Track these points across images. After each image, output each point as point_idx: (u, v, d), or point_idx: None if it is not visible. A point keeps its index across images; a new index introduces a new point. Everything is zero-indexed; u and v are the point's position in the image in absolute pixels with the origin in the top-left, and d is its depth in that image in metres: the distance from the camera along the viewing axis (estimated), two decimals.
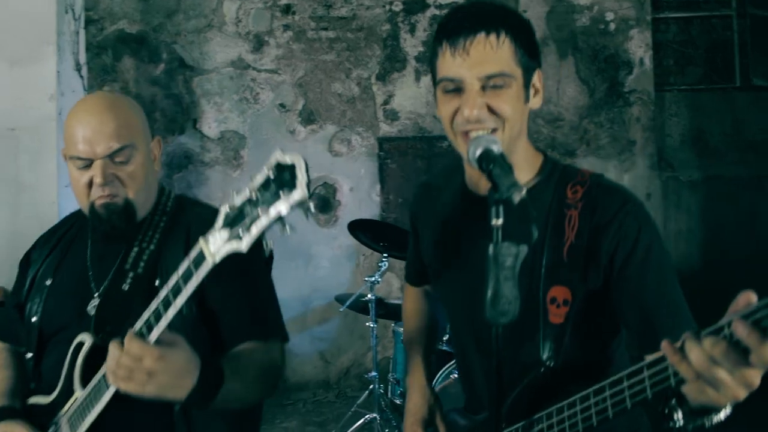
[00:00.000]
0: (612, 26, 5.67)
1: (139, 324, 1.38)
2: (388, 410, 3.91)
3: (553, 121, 5.61)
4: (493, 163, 1.14)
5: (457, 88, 1.27)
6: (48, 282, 1.79)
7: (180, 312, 1.36)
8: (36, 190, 3.49)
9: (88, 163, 1.65)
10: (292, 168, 1.18)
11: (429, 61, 1.39)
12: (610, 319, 1.31)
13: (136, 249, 1.73)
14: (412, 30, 5.64)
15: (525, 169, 1.39)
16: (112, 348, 1.35)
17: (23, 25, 3.59)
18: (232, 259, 1.29)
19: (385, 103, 5.64)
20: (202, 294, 1.56)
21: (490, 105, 1.26)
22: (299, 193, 1.16)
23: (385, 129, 5.64)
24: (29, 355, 1.78)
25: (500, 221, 1.08)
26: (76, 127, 1.67)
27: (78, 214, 1.90)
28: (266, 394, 1.71)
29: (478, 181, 1.41)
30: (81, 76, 3.93)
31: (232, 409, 1.64)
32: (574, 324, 1.27)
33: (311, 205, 1.20)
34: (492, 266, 1.07)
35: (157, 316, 1.37)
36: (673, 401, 1.03)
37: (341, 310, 4.27)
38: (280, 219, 1.19)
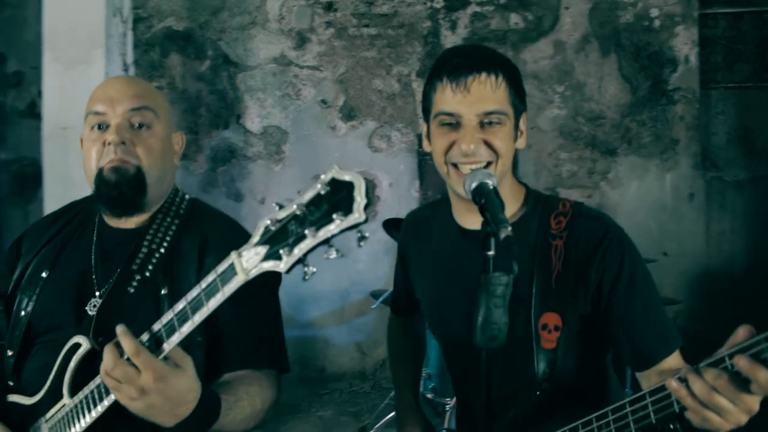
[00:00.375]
0: (657, 23, 5.58)
1: (147, 335, 1.25)
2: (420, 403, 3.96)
3: (594, 119, 5.56)
4: (486, 197, 1.18)
5: (455, 123, 1.31)
6: (44, 274, 1.65)
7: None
8: (86, 187, 3.64)
9: (105, 122, 1.57)
10: (350, 187, 1.04)
11: (424, 94, 1.42)
12: (600, 341, 1.35)
13: (145, 250, 1.59)
14: (453, 27, 5.64)
15: (511, 201, 1.46)
16: (108, 352, 1.22)
17: (76, 30, 3.77)
18: (254, 281, 1.17)
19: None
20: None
21: (487, 140, 1.32)
22: (355, 217, 1.03)
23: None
24: (10, 352, 1.62)
25: (492, 252, 1.12)
26: (97, 91, 1.61)
27: (81, 204, 1.79)
28: (254, 430, 1.55)
29: (465, 215, 1.45)
30: (128, 75, 4.07)
31: None
32: (566, 347, 1.32)
33: (366, 234, 1.06)
34: (483, 294, 1.12)
35: (170, 330, 1.23)
36: (678, 426, 1.06)
37: (373, 307, 4.34)
38: (326, 241, 1.07)
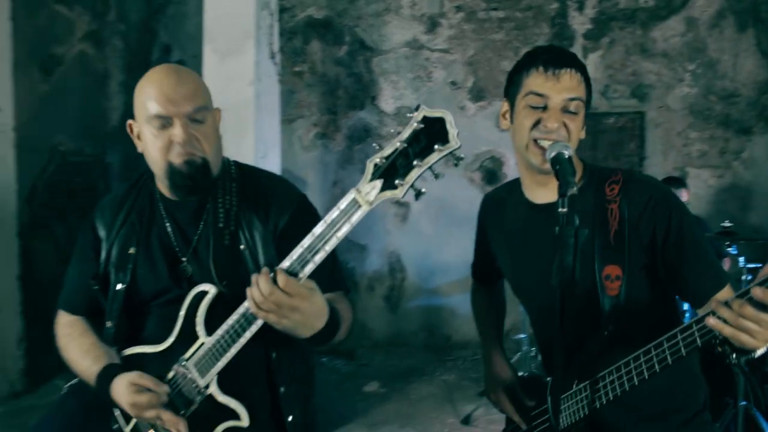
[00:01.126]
0: None
1: (284, 265, 1.45)
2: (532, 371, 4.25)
3: (728, 97, 5.48)
4: (561, 164, 1.44)
5: (542, 106, 1.57)
6: (132, 251, 1.81)
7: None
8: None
9: (168, 123, 1.68)
10: (441, 121, 1.31)
11: (511, 78, 1.67)
12: (660, 287, 1.58)
13: (222, 209, 1.79)
14: (581, 7, 5.74)
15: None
16: (263, 281, 1.42)
17: (230, 23, 4.26)
18: (308, 221, 1.49)
19: None
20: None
21: (566, 123, 1.56)
22: (452, 144, 1.30)
23: None
24: (109, 323, 1.81)
25: (564, 209, 1.38)
26: (153, 90, 1.69)
27: (137, 185, 1.93)
28: (346, 338, 1.76)
29: (535, 190, 1.71)
30: (275, 63, 4.54)
31: (318, 347, 1.67)
32: (627, 294, 1.56)
33: (462, 156, 1.33)
34: (558, 244, 1.38)
35: (303, 262, 1.44)
36: (725, 346, 1.31)
37: None
38: (430, 168, 1.31)
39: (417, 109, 1.34)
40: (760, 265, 4.10)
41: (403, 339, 6.23)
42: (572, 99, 1.57)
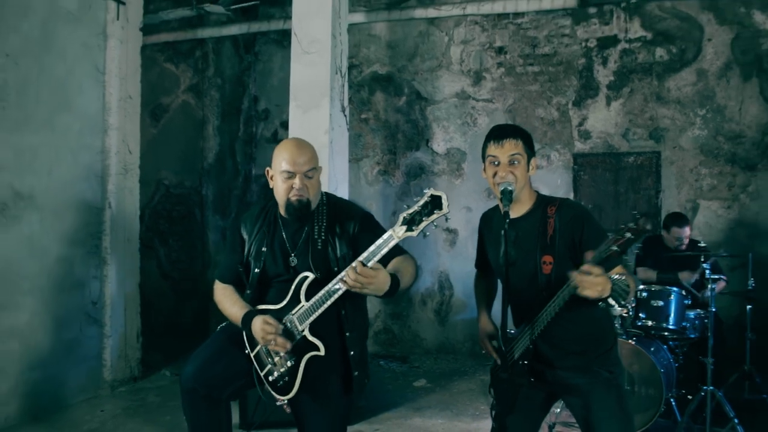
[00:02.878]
0: None
1: (362, 258, 2.43)
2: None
3: (734, 138, 6.22)
4: (503, 194, 2.45)
5: (496, 163, 2.55)
6: (264, 249, 2.78)
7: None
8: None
9: (292, 176, 2.64)
10: (440, 198, 2.37)
11: (482, 148, 2.63)
12: (575, 268, 2.52)
13: (317, 227, 2.75)
14: (605, 62, 6.62)
15: (527, 201, 2.62)
16: (351, 271, 2.39)
17: (310, 85, 5.31)
18: (370, 229, 2.68)
19: (580, 124, 6.70)
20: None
21: (512, 171, 2.53)
22: (444, 210, 2.38)
23: (579, 146, 6.71)
24: (248, 291, 2.81)
25: (508, 220, 2.40)
26: (287, 155, 2.66)
27: (266, 207, 2.89)
28: (412, 285, 2.74)
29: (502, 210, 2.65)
30: (345, 116, 5.57)
31: (393, 297, 2.60)
32: (556, 273, 2.49)
33: (449, 218, 2.43)
34: (504, 240, 2.40)
35: (368, 260, 2.44)
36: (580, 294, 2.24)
37: None
38: (432, 222, 2.39)
39: (428, 189, 2.43)
40: (722, 276, 4.89)
41: (450, 347, 7.11)
42: (513, 155, 2.56)
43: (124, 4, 5.65)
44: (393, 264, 2.62)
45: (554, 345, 2.55)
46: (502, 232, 2.42)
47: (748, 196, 6.22)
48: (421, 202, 2.39)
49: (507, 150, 2.54)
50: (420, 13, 6.93)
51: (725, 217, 6.28)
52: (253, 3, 6.89)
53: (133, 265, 5.94)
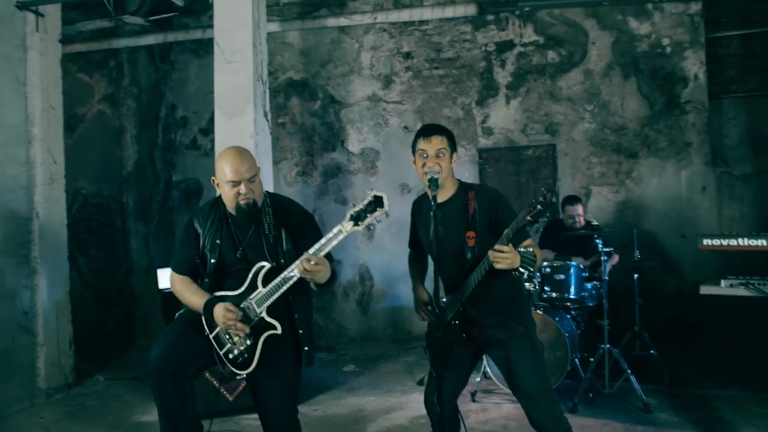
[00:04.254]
0: (668, 49, 6.90)
1: (314, 249, 2.73)
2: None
3: (618, 129, 6.96)
4: (430, 182, 2.85)
5: (424, 156, 2.94)
6: (218, 241, 3.02)
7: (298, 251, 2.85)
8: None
9: (237, 184, 2.88)
10: (381, 198, 2.66)
11: (413, 143, 3.04)
12: (494, 242, 2.93)
13: (266, 224, 3.01)
14: (503, 65, 7.23)
15: (450, 187, 3.04)
16: (305, 261, 2.71)
17: (234, 92, 5.51)
18: (307, 226, 3.01)
19: (483, 122, 7.28)
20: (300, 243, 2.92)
21: (438, 162, 2.93)
22: (386, 209, 2.67)
23: (483, 142, 7.28)
24: (206, 280, 3.04)
25: (434, 203, 2.81)
26: (228, 165, 2.90)
27: (215, 205, 3.10)
28: (330, 287, 3.04)
29: (430, 195, 3.04)
30: (267, 120, 5.78)
31: (321, 289, 2.98)
32: (479, 246, 2.93)
33: (389, 215, 2.72)
34: (433, 221, 2.82)
35: (319, 251, 2.74)
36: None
37: None
38: (375, 218, 2.69)
39: (371, 190, 2.73)
40: (612, 249, 5.55)
41: (373, 334, 7.52)
42: (439, 149, 2.96)
43: (42, 16, 5.74)
44: None
45: (479, 307, 2.99)
46: (431, 213, 2.84)
47: (633, 180, 6.95)
48: (366, 201, 2.70)
49: (434, 145, 2.96)
50: (332, 21, 7.26)
51: (614, 200, 6.99)
52: (169, 15, 7.06)
53: (62, 274, 5.99)
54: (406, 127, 7.43)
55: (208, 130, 7.57)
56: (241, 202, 2.94)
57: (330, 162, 7.63)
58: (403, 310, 7.36)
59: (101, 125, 8.04)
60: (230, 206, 3.00)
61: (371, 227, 2.75)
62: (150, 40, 7.47)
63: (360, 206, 2.71)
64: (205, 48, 7.42)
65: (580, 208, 5.93)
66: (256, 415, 3.26)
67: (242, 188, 2.92)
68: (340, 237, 2.75)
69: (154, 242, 8.12)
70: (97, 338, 7.48)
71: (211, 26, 5.67)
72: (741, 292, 3.97)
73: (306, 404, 5.13)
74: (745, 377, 5.23)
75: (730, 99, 7.14)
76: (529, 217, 2.62)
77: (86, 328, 7.44)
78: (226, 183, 2.94)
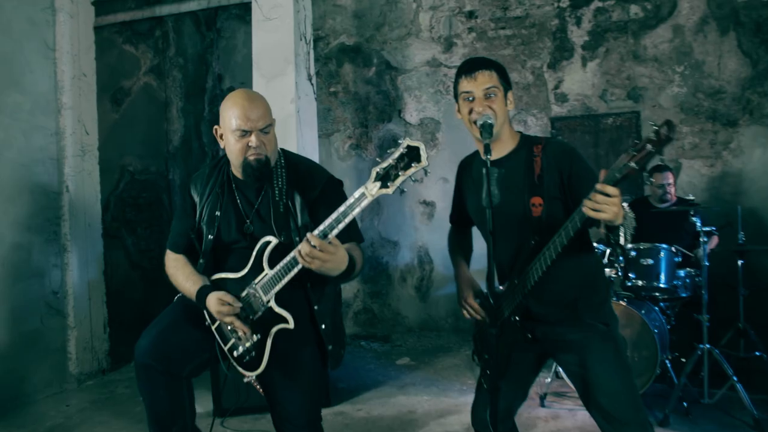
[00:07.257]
0: None
1: (318, 230, 2.13)
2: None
3: (714, 94, 6.05)
4: (483, 128, 2.19)
5: (470, 99, 2.33)
6: (218, 213, 2.49)
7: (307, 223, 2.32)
8: None
9: (247, 134, 2.35)
10: (417, 148, 2.01)
11: (454, 87, 2.43)
12: (567, 211, 2.28)
13: (277, 188, 2.47)
14: (578, 22, 6.41)
15: (509, 142, 2.38)
16: (305, 245, 2.11)
17: (273, 52, 5.06)
18: (332, 195, 2.33)
19: (556, 87, 6.49)
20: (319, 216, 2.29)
21: (489, 105, 2.30)
22: (423, 163, 2.01)
23: (556, 110, 6.50)
24: (202, 260, 2.52)
25: (489, 157, 2.13)
26: (237, 110, 2.35)
27: (217, 165, 2.59)
28: (357, 277, 2.46)
29: (481, 149, 2.40)
30: (312, 84, 5.34)
31: (343, 282, 2.47)
32: (547, 215, 2.25)
33: (428, 170, 2.04)
34: (486, 181, 2.14)
35: (332, 227, 2.13)
36: (606, 232, 2.00)
37: None
38: (410, 177, 2.02)
39: (403, 139, 2.09)
40: (713, 228, 4.72)
41: (432, 324, 6.90)
42: (488, 87, 2.32)
43: None
44: (346, 247, 2.32)
45: (546, 298, 2.32)
46: (484, 170, 2.17)
47: (731, 152, 6.05)
48: (396, 155, 2.03)
49: (481, 83, 2.31)
50: None
51: (708, 175, 6.11)
52: None
53: (96, 252, 5.64)
54: None
55: None
56: (251, 158, 2.38)
57: (386, 134, 7.02)
58: None
59: (147, 98, 7.72)
60: (236, 164, 2.45)
61: (403, 190, 2.09)
62: (193, 5, 7.07)
63: (389, 161, 2.04)
64: (251, 13, 6.89)
65: (670, 176, 5.15)
66: None
67: (253, 140, 2.37)
68: (363, 203, 2.09)
69: None
70: (144, 321, 7.11)
71: None
72: None
73: (349, 402, 4.61)
74: None
75: None
76: (633, 163, 1.81)
77: (133, 311, 7.16)
78: (233, 133, 2.38)
